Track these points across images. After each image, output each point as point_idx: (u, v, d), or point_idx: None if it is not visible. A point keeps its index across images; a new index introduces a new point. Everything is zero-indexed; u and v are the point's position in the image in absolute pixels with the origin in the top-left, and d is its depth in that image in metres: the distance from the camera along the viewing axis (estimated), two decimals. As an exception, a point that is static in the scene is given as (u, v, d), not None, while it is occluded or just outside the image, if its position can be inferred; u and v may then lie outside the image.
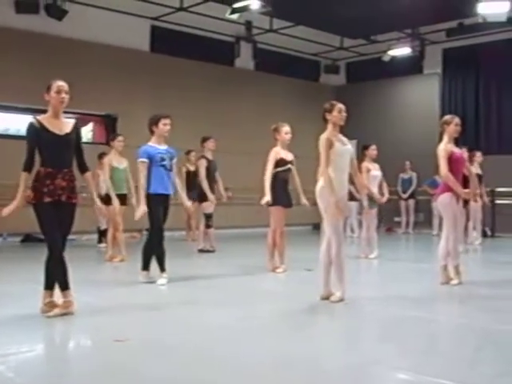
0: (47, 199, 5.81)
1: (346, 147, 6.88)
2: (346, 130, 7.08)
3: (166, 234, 8.14)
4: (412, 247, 15.38)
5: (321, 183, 6.70)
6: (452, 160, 7.93)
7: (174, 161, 8.26)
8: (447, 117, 8.26)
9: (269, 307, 6.68)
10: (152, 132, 8.17)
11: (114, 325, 5.67)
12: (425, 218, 18.26)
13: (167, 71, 16.45)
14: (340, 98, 18.07)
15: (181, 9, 16.04)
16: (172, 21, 16.58)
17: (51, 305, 5.89)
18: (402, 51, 18.17)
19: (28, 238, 13.56)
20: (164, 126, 8.11)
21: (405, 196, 18.12)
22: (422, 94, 19.61)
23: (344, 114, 6.88)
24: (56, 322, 5.68)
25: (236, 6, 14.17)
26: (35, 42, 14.30)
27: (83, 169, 6.20)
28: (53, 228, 5.83)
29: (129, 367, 4.39)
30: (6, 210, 5.86)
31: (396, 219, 18.73)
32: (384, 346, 5.10)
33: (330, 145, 6.67)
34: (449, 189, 7.94)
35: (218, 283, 8.41)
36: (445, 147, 7.96)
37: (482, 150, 17.82)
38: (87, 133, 15.93)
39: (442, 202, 8.05)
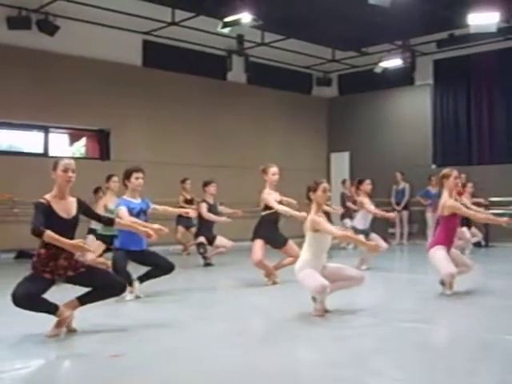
0: (47, 276, 5.74)
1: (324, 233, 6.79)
2: (338, 142, 7.08)
3: (162, 248, 8.11)
4: (406, 258, 15.34)
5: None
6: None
7: (151, 207, 8.19)
8: (445, 170, 8.08)
9: (266, 319, 6.64)
10: (126, 186, 8.12)
11: (110, 340, 5.63)
12: (418, 229, 18.28)
13: (160, 85, 16.46)
14: (332, 110, 18.16)
15: (172, 23, 16.08)
16: (164, 35, 16.61)
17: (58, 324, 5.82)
18: (394, 63, 18.22)
19: (22, 255, 13.49)
20: (136, 179, 8.01)
21: (399, 208, 18.11)
22: (414, 106, 19.66)
23: (328, 194, 6.87)
24: (51, 338, 5.65)
25: (227, 20, 14.20)
26: (27, 57, 14.30)
27: (111, 222, 6.31)
28: (37, 295, 5.65)
29: (124, 382, 4.36)
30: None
31: (390, 230, 18.72)
32: (381, 357, 5.08)
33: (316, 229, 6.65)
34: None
35: (218, 297, 8.39)
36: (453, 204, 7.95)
37: (474, 160, 17.94)
38: (80, 148, 15.94)
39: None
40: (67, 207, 5.84)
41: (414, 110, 19.66)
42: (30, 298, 5.59)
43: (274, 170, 9.09)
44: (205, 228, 11.86)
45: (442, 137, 18.47)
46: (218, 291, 9.00)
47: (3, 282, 10.05)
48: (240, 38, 17.50)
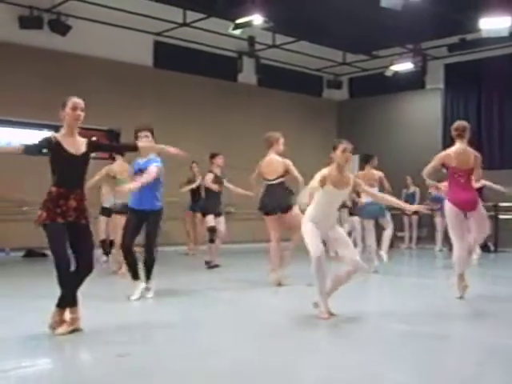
0: (60, 220, 5.74)
1: (340, 192, 6.80)
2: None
3: (170, 249, 8.09)
4: (415, 262, 15.32)
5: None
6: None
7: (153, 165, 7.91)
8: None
9: (272, 321, 6.64)
10: None
11: (116, 340, 5.63)
12: (428, 233, 18.25)
13: (170, 86, 16.50)
14: (343, 113, 18.12)
15: (184, 24, 16.13)
16: (175, 36, 16.66)
17: (60, 321, 5.80)
18: (405, 66, 18.21)
19: (30, 253, 13.55)
20: (141, 138, 7.96)
21: (410, 212, 18.10)
22: (425, 109, 19.63)
23: (348, 155, 6.80)
24: (58, 337, 5.65)
25: (239, 21, 14.22)
26: (39, 57, 14.37)
27: (133, 146, 6.44)
28: (61, 246, 5.74)
29: (131, 381, 4.37)
30: None
31: (399, 234, 18.69)
32: (382, 360, 5.07)
33: (322, 183, 6.65)
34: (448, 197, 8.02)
35: (224, 297, 8.41)
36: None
37: (485, 164, 17.87)
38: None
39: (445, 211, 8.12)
40: (76, 144, 5.89)
41: (424, 113, 19.63)
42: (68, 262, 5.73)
43: (281, 140, 9.43)
44: (211, 203, 11.79)
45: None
46: (224, 291, 8.99)
47: (12, 280, 10.12)
48: (251, 40, 17.51)
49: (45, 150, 5.85)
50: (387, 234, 11.47)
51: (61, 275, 5.70)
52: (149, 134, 7.88)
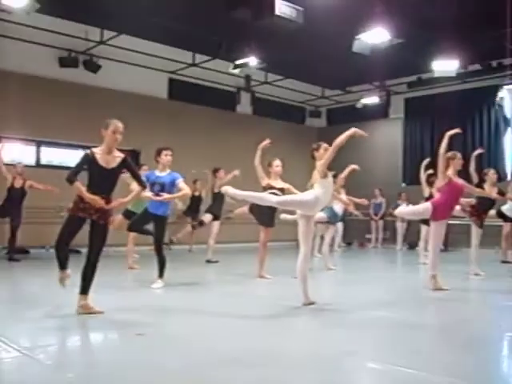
0: (80, 214, 5.79)
1: (332, 181, 6.81)
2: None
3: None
4: (380, 259, 15.33)
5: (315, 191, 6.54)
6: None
7: (178, 181, 7.95)
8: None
9: (258, 309, 6.60)
10: (157, 161, 8.14)
11: (135, 321, 5.61)
12: (390, 235, 18.29)
13: (181, 114, 16.53)
14: (322, 138, 18.19)
15: (193, 64, 16.22)
16: (186, 74, 16.72)
17: (85, 305, 5.80)
18: (372, 100, 18.25)
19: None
20: (165, 156, 8.06)
21: (376, 218, 18.15)
22: (388, 135, 19.67)
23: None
24: (87, 319, 5.63)
25: (237, 62, 14.33)
26: (75, 90, 14.40)
27: (141, 185, 6.23)
28: (67, 231, 5.83)
29: (148, 358, 4.35)
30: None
31: (367, 236, 18.75)
32: (356, 340, 5.06)
33: (326, 171, 6.59)
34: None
35: (221, 288, 8.38)
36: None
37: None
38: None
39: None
40: (109, 160, 5.86)
41: (388, 138, 19.68)
42: (59, 240, 5.86)
43: (277, 162, 9.20)
44: (215, 206, 11.73)
45: (411, 161, 18.43)
46: (223, 283, 8.96)
47: (49, 273, 10.08)
48: (247, 78, 17.53)
49: (85, 167, 5.85)
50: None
51: (56, 248, 5.96)
52: (170, 152, 8.10)
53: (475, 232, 9.93)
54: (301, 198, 6.62)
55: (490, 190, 10.06)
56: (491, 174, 10.29)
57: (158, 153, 8.11)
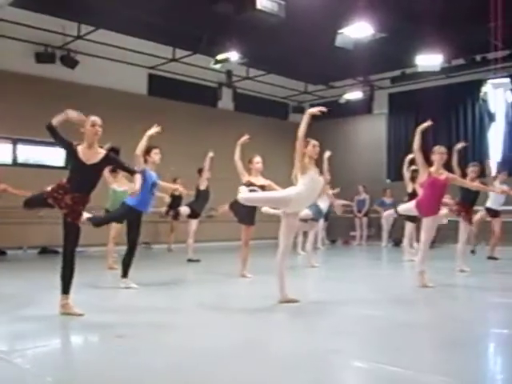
0: (50, 201, 5.83)
1: (320, 178, 6.75)
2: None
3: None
4: (365, 256, 15.38)
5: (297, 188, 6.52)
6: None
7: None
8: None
9: (240, 308, 6.58)
10: (146, 160, 8.00)
11: (115, 322, 5.56)
12: (375, 232, 18.36)
13: (162, 111, 16.39)
14: (305, 133, 18.01)
15: (173, 60, 16.14)
16: (166, 69, 16.64)
17: (65, 305, 5.78)
18: (355, 95, 18.32)
19: (45, 250, 13.39)
20: (155, 155, 8.05)
21: (360, 215, 18.19)
22: (372, 131, 19.76)
23: (317, 149, 6.79)
24: (66, 321, 5.58)
25: (218, 57, 14.29)
26: (52, 86, 14.26)
27: (132, 173, 6.32)
28: (34, 197, 6.12)
29: (128, 360, 4.31)
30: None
31: (352, 233, 18.79)
32: (341, 339, 5.05)
33: (304, 167, 6.56)
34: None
35: (202, 288, 8.35)
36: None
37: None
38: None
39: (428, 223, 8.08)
40: (91, 155, 5.88)
41: (372, 134, 19.76)
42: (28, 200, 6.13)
43: (257, 159, 9.13)
44: (197, 203, 11.69)
45: (395, 157, 18.51)
46: (204, 281, 8.92)
47: (29, 275, 9.97)
48: (229, 73, 17.49)
49: (64, 149, 5.96)
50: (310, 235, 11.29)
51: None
52: (158, 150, 8.20)
53: (463, 228, 10.00)
54: (273, 195, 6.65)
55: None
56: (473, 167, 10.33)
57: (148, 151, 8.03)
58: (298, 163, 6.54)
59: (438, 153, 8.25)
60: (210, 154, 11.22)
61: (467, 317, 6.22)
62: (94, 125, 5.93)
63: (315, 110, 6.57)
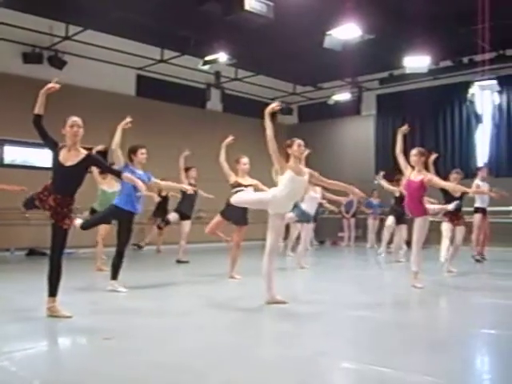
0: (37, 203, 5.86)
1: (301, 178, 6.71)
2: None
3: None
4: (354, 257, 15.39)
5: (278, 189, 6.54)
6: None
7: (152, 181, 7.99)
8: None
9: (228, 310, 6.57)
10: (131, 160, 7.91)
11: (103, 325, 5.52)
12: (362, 233, 18.39)
13: (150, 112, 16.38)
14: (293, 135, 18.12)
15: (161, 60, 16.10)
16: (154, 70, 16.59)
17: (52, 308, 5.74)
18: (344, 96, 18.36)
19: (32, 252, 13.30)
20: (141, 154, 7.94)
21: (348, 215, 18.21)
22: (360, 132, 19.81)
23: (303, 149, 6.79)
24: (53, 324, 5.54)
25: (207, 58, 14.28)
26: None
27: (118, 175, 6.30)
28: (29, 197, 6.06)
29: (115, 363, 4.28)
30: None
31: (340, 234, 18.82)
32: (330, 340, 5.05)
33: (283, 165, 6.52)
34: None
35: (190, 289, 8.33)
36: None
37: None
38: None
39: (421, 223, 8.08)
40: (71, 157, 5.83)
41: (360, 135, 19.81)
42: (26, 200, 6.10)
43: (244, 160, 9.13)
44: (185, 205, 11.66)
45: (383, 157, 18.58)
46: (193, 285, 8.88)
47: (17, 277, 9.90)
48: (217, 74, 17.49)
49: (49, 148, 5.93)
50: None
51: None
52: (145, 150, 8.06)
53: (446, 228, 10.02)
54: (255, 197, 6.70)
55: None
56: (456, 175, 10.25)
57: (134, 151, 7.95)
58: (276, 163, 6.56)
59: (413, 155, 8.30)
60: (186, 153, 11.20)
61: (455, 317, 6.25)
62: (72, 125, 5.87)
63: (271, 107, 6.67)
